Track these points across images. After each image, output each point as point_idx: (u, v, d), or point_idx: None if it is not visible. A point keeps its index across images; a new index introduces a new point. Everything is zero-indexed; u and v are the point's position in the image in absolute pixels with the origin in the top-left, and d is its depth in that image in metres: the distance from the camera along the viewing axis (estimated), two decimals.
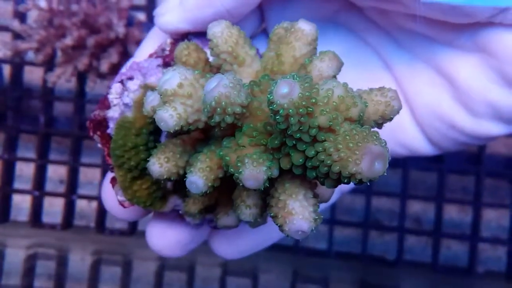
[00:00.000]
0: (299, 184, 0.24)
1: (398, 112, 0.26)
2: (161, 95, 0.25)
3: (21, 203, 0.72)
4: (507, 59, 0.30)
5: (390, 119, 0.26)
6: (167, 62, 0.32)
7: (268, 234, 0.38)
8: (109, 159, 0.32)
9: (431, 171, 0.66)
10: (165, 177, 0.27)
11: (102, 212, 0.68)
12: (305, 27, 0.28)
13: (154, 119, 0.28)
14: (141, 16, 0.64)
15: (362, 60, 0.37)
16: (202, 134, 0.29)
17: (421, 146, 0.36)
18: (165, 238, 0.35)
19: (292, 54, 0.28)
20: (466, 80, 0.32)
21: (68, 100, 0.68)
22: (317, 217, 0.24)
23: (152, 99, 0.28)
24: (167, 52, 0.33)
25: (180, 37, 0.33)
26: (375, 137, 0.21)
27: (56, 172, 0.72)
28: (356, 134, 0.21)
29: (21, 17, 0.67)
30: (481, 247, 0.67)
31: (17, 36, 0.63)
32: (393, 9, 0.31)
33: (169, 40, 0.33)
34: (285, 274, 0.61)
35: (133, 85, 0.31)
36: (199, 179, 0.25)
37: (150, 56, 0.33)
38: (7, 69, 0.69)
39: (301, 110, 0.21)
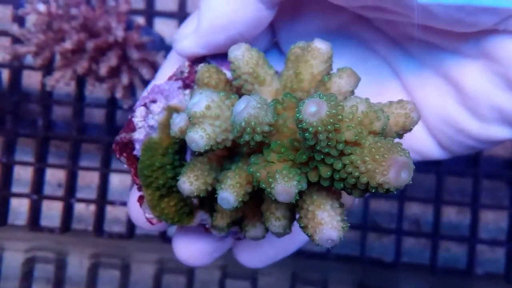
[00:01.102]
0: (326, 195, 0.26)
1: (417, 123, 0.27)
2: (190, 118, 0.26)
3: (19, 207, 0.72)
4: (510, 64, 0.31)
5: (410, 130, 0.28)
6: (187, 84, 0.34)
7: (290, 242, 0.40)
8: (136, 178, 0.33)
9: (429, 173, 0.67)
10: (195, 194, 0.29)
11: (100, 216, 0.68)
12: (321, 45, 0.30)
13: (179, 139, 0.30)
14: (140, 20, 0.65)
15: (372, 69, 0.38)
16: (227, 152, 0.30)
17: (432, 151, 0.38)
18: (191, 248, 0.37)
19: (310, 72, 0.30)
20: (472, 86, 0.33)
21: (67, 104, 0.69)
22: (344, 225, 0.25)
23: (179, 121, 0.29)
24: (186, 74, 0.34)
25: (197, 60, 0.35)
26: (399, 148, 0.23)
27: (55, 176, 0.72)
28: (381, 146, 0.23)
29: (20, 21, 0.67)
30: (480, 249, 0.67)
31: (16, 40, 0.63)
32: (400, 20, 0.32)
33: (187, 63, 0.35)
34: (285, 277, 0.61)
35: (156, 107, 0.33)
36: (230, 195, 0.26)
37: (170, 78, 0.35)
38: (5, 73, 0.69)
39: (329, 127, 0.22)
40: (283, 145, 0.26)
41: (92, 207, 0.70)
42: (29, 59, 0.68)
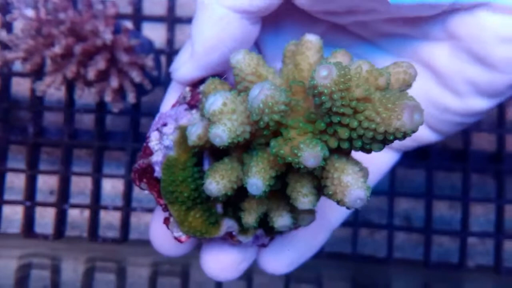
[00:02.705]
0: (346, 161, 0.28)
1: (415, 78, 0.30)
2: (209, 117, 0.29)
3: (12, 215, 0.71)
4: (471, 38, 0.34)
5: (410, 85, 0.30)
6: (193, 104, 0.36)
7: (312, 242, 0.42)
8: (160, 200, 0.35)
9: (418, 169, 0.68)
10: (222, 192, 0.31)
11: (94, 221, 0.68)
12: (312, 38, 0.33)
13: (195, 152, 0.33)
14: (128, 25, 0.65)
15: None
16: (245, 149, 0.32)
17: (425, 134, 0.40)
18: (220, 262, 0.39)
19: (308, 62, 0.32)
20: (445, 66, 0.36)
21: (58, 110, 0.69)
22: (368, 186, 0.27)
23: (196, 129, 0.32)
24: (188, 98, 0.37)
25: (196, 84, 0.38)
26: (407, 95, 0.25)
27: (46, 183, 0.72)
28: (390, 96, 0.25)
29: (8, 27, 0.67)
30: (471, 242, 0.68)
31: (4, 47, 0.63)
32: (371, 19, 0.35)
33: (188, 88, 0.37)
34: (279, 276, 0.62)
35: (168, 129, 0.35)
36: (258, 180, 0.29)
37: (174, 105, 0.38)
38: None
39: (341, 86, 0.25)
40: (300, 121, 0.28)
41: (86, 213, 0.70)
42: (17, 66, 0.68)
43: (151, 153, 0.35)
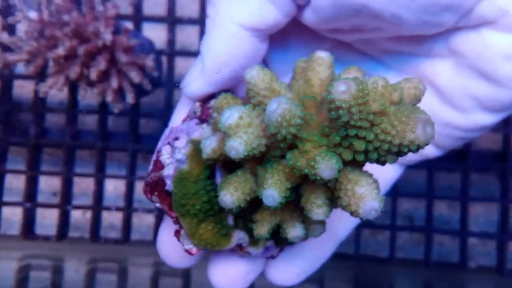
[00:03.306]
0: (360, 173, 0.29)
1: (424, 93, 0.31)
2: (225, 131, 0.29)
3: (12, 217, 0.72)
4: (475, 55, 0.35)
5: (420, 100, 0.31)
6: (203, 119, 0.37)
7: (319, 254, 0.42)
8: (172, 212, 0.36)
9: (421, 168, 0.68)
10: (236, 204, 0.31)
11: (96, 222, 0.68)
12: (323, 55, 0.34)
13: (208, 164, 0.34)
14: (128, 25, 0.65)
15: None
16: (258, 162, 0.33)
17: (428, 149, 0.41)
18: (228, 274, 0.39)
19: (319, 77, 0.33)
20: (448, 82, 0.37)
21: (60, 111, 0.69)
22: (381, 197, 0.28)
23: (210, 143, 0.32)
24: (199, 113, 0.37)
25: (206, 99, 0.38)
26: (419, 109, 0.27)
27: (49, 185, 0.72)
28: (404, 110, 0.27)
29: (10, 30, 0.67)
30: (472, 242, 0.68)
31: (5, 49, 0.63)
32: (376, 37, 0.36)
33: (198, 103, 0.38)
34: None
35: (180, 143, 0.35)
36: (274, 191, 0.29)
37: (184, 120, 0.38)
38: None
39: (360, 100, 0.26)
40: (315, 134, 0.29)
41: (88, 214, 0.70)
42: (19, 69, 0.69)
43: (162, 167, 0.36)
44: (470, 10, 0.32)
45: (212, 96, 0.38)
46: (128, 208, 0.67)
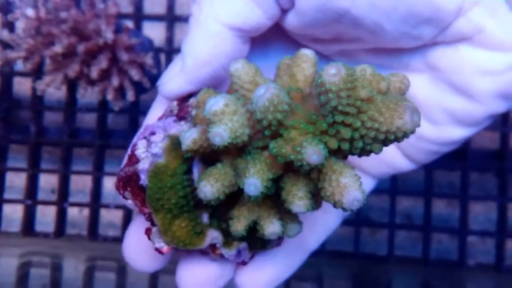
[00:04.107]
0: (343, 164, 0.29)
1: (408, 89, 0.31)
2: (210, 117, 0.29)
3: (12, 214, 0.72)
4: (451, 70, 0.36)
5: (405, 94, 0.31)
6: (181, 116, 0.36)
7: (289, 263, 0.41)
8: (145, 208, 0.34)
9: (418, 168, 0.67)
10: (215, 195, 0.31)
11: (94, 220, 0.68)
12: (308, 52, 0.34)
13: (186, 157, 0.33)
14: (129, 24, 0.65)
15: None
16: (236, 156, 0.32)
17: (401, 162, 0.41)
18: (197, 277, 0.38)
19: (303, 74, 0.33)
20: (423, 96, 0.37)
21: (58, 110, 0.69)
22: (363, 190, 0.28)
23: (190, 134, 0.31)
24: (176, 112, 0.36)
25: (184, 98, 0.37)
26: (406, 98, 0.27)
27: (48, 182, 0.72)
28: (391, 98, 0.27)
29: (11, 27, 0.67)
30: (471, 240, 0.68)
31: (6, 47, 0.63)
32: (355, 48, 0.37)
33: (175, 103, 0.37)
34: None
35: (157, 137, 0.34)
36: (256, 180, 0.29)
37: (160, 119, 0.37)
38: None
39: (349, 85, 0.26)
40: (301, 122, 0.29)
41: (86, 211, 0.70)
42: (19, 66, 0.69)
43: (137, 161, 0.35)
44: (448, 26, 0.33)
45: (190, 95, 0.37)
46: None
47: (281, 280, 0.42)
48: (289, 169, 0.30)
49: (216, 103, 0.29)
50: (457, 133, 0.38)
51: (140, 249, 0.37)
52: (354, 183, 0.28)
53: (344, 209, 0.28)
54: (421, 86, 0.37)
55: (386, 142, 0.27)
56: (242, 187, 0.29)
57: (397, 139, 0.27)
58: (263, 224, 0.33)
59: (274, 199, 0.32)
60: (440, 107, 0.37)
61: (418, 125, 0.26)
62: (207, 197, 0.31)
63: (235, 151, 0.31)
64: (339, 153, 0.29)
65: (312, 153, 0.26)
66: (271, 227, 0.33)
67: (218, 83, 0.37)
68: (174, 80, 0.36)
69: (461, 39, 0.34)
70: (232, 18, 0.34)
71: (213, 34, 0.34)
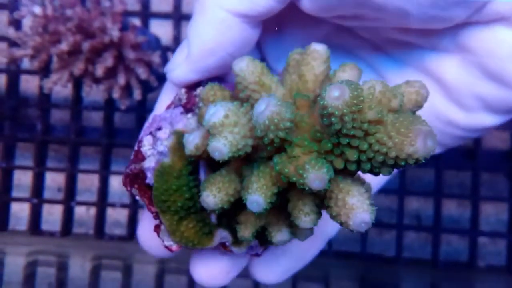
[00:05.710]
0: (351, 182, 0.27)
1: (426, 99, 0.29)
2: (209, 129, 0.27)
3: (20, 212, 0.72)
4: (485, 54, 0.33)
5: (422, 106, 0.29)
6: (188, 108, 0.34)
7: (305, 253, 0.41)
8: (152, 207, 0.34)
9: (428, 168, 0.67)
10: (219, 206, 0.30)
11: (100, 218, 0.68)
12: (319, 47, 0.31)
13: (193, 159, 0.31)
14: (136, 22, 0.65)
15: None
16: (244, 162, 0.31)
17: None
18: (209, 269, 0.38)
19: (313, 73, 0.31)
20: (453, 79, 0.35)
21: (65, 108, 0.69)
22: (373, 208, 0.26)
23: (193, 138, 0.30)
24: (184, 101, 0.35)
25: (193, 86, 0.36)
26: (420, 120, 0.24)
27: (55, 181, 0.72)
28: (403, 120, 0.24)
29: (17, 25, 0.67)
30: (482, 241, 0.67)
31: (13, 45, 0.63)
32: (378, 25, 0.34)
33: (183, 90, 0.36)
34: None
35: (163, 134, 0.33)
36: (259, 197, 0.27)
37: (168, 107, 0.36)
38: (3, 78, 0.69)
39: (353, 108, 0.24)
40: (305, 139, 0.27)
41: (93, 210, 0.70)
42: (26, 64, 0.69)
43: (143, 159, 0.34)
44: (483, 5, 0.30)
45: (199, 83, 0.36)
46: (134, 204, 0.67)
47: (297, 270, 0.41)
48: (295, 184, 0.28)
49: (216, 114, 0.27)
50: (488, 120, 0.36)
51: (153, 240, 0.37)
52: (362, 203, 0.26)
53: (351, 231, 0.26)
54: (450, 68, 0.35)
55: (396, 167, 0.25)
56: (245, 202, 0.28)
57: (408, 165, 0.25)
58: (271, 231, 0.32)
59: (283, 205, 0.31)
60: (471, 92, 0.35)
61: (433, 151, 0.24)
62: (210, 207, 0.30)
63: (242, 157, 0.30)
64: (346, 170, 0.27)
65: (315, 178, 0.25)
66: (279, 235, 0.32)
67: (228, 70, 0.35)
68: (180, 68, 0.35)
69: (498, 19, 0.31)
70: (237, 5, 0.32)
71: (218, 22, 0.32)
